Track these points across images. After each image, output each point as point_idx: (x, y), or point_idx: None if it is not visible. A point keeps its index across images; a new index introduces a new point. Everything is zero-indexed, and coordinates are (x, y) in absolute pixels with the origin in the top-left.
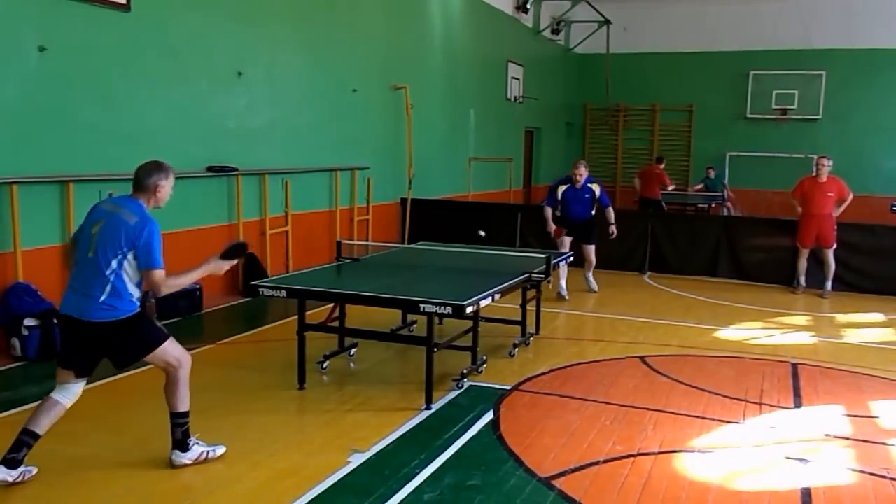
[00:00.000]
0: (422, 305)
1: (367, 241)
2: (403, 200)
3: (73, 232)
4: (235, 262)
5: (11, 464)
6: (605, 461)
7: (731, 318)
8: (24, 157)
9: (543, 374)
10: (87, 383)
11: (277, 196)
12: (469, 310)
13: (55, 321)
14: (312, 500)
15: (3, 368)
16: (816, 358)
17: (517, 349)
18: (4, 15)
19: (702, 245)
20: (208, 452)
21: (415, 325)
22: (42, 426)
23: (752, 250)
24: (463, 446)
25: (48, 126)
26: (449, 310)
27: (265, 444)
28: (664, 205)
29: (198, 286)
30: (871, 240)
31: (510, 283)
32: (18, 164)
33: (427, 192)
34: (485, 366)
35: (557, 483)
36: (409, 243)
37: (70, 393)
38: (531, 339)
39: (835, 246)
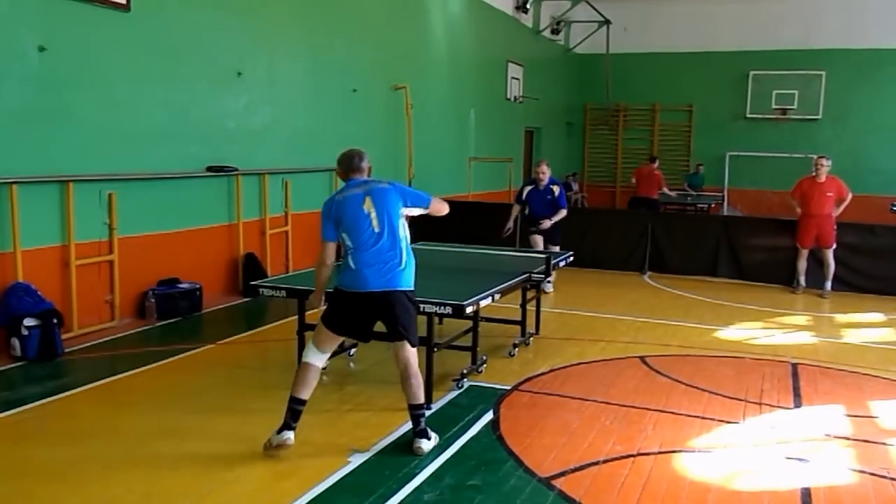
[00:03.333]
0: (422, 305)
1: None
2: None
3: (324, 236)
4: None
5: (294, 429)
6: (605, 461)
7: (731, 318)
8: (24, 157)
9: (543, 374)
10: (88, 383)
11: (277, 196)
12: (469, 310)
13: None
14: (312, 500)
15: (2, 368)
16: (816, 358)
17: (517, 349)
18: (4, 15)
19: (702, 245)
20: (436, 438)
21: None
22: (310, 391)
23: (752, 250)
24: (463, 446)
25: (48, 126)
26: (449, 310)
27: (265, 443)
28: (660, 205)
29: (198, 286)
30: (870, 240)
31: (510, 283)
32: (18, 164)
33: (427, 191)
34: (485, 366)
35: (557, 483)
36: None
37: (325, 357)
38: (531, 339)
39: (834, 246)
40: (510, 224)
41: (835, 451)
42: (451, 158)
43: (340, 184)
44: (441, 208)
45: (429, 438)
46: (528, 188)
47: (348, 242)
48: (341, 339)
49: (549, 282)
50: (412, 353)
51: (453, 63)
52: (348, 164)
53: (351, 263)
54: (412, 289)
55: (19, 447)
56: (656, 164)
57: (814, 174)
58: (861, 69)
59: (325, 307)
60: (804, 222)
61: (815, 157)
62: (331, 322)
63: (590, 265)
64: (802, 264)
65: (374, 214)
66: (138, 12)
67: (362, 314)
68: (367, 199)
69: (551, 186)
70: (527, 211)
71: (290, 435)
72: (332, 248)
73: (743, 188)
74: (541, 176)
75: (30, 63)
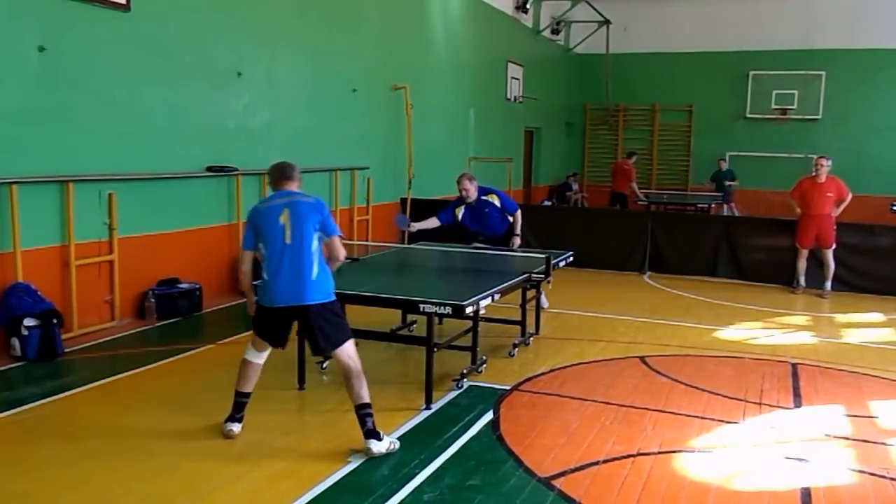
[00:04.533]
0: (422, 305)
1: (367, 241)
2: (403, 200)
3: (243, 245)
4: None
5: (240, 420)
6: (605, 461)
7: (731, 318)
8: (24, 157)
9: (543, 374)
10: (88, 383)
11: None
12: (469, 310)
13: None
14: (312, 500)
15: (2, 368)
16: (816, 358)
17: (517, 349)
18: (4, 15)
19: (702, 245)
20: (393, 445)
21: (415, 325)
22: (252, 385)
23: (752, 250)
24: (463, 446)
25: (48, 126)
26: (449, 310)
27: (265, 444)
28: (627, 201)
29: (198, 286)
30: (870, 240)
31: (510, 283)
32: (18, 164)
33: (427, 192)
34: (485, 366)
35: (557, 483)
36: (409, 243)
37: (265, 355)
38: (531, 339)
39: (834, 246)
40: (415, 225)
41: (835, 451)
42: (451, 158)
43: (340, 183)
44: (340, 251)
45: (380, 439)
46: (461, 208)
47: (263, 252)
48: (277, 347)
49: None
50: (350, 353)
51: (453, 63)
52: (279, 174)
53: (264, 274)
54: (328, 300)
55: (19, 447)
56: (632, 160)
57: (814, 174)
58: (861, 69)
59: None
60: (804, 222)
61: (815, 157)
62: (257, 329)
63: (589, 265)
64: (802, 264)
65: (288, 226)
66: (138, 12)
67: (277, 326)
68: (286, 211)
69: (485, 198)
70: (465, 231)
71: (234, 426)
72: (248, 256)
73: (743, 188)
74: (464, 193)
75: (30, 63)
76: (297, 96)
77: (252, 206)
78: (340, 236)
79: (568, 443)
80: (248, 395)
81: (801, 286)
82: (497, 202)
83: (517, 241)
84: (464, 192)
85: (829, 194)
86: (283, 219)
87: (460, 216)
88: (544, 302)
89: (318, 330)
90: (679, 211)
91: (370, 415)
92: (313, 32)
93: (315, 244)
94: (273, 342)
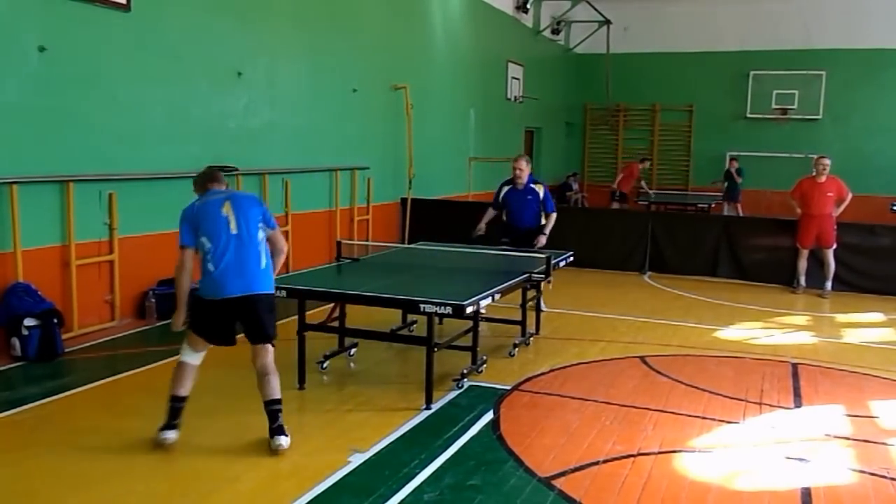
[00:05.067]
0: (422, 305)
1: (367, 241)
2: (403, 200)
3: (181, 241)
4: None
5: (177, 427)
6: (605, 461)
7: (731, 318)
8: (24, 157)
9: (543, 374)
10: (88, 383)
11: (277, 196)
12: (469, 310)
13: (54, 321)
14: (312, 500)
15: (3, 368)
16: (816, 358)
17: (517, 349)
18: (4, 15)
19: (702, 245)
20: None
21: (415, 325)
22: (188, 389)
23: (752, 250)
24: (463, 446)
25: (48, 126)
26: (449, 310)
27: (264, 444)
28: (628, 200)
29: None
30: (870, 240)
31: (510, 283)
32: (18, 164)
33: (427, 192)
34: (485, 366)
35: (557, 483)
36: (409, 243)
37: (202, 357)
38: (531, 339)
39: (835, 246)
40: (482, 225)
41: (835, 451)
42: (451, 158)
43: (340, 183)
44: (284, 243)
45: (286, 435)
46: (507, 188)
47: (207, 245)
48: (223, 345)
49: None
50: (272, 352)
51: (453, 63)
52: (207, 177)
53: (210, 266)
54: (272, 292)
55: (19, 447)
56: (644, 165)
57: (814, 174)
58: (862, 69)
59: (187, 319)
60: (804, 222)
61: (815, 156)
62: (197, 328)
63: (590, 265)
64: (803, 264)
65: (232, 217)
66: (138, 12)
67: (223, 320)
68: (227, 203)
69: (532, 186)
70: (504, 216)
71: (169, 434)
72: (189, 253)
73: (743, 188)
74: (517, 173)
75: (30, 63)
76: (297, 96)
77: (188, 205)
78: (279, 230)
79: (568, 443)
80: (184, 399)
81: (802, 286)
82: (541, 194)
83: (543, 240)
84: (517, 171)
85: (829, 194)
86: (226, 210)
87: (502, 196)
88: (542, 304)
89: (260, 319)
90: (679, 211)
91: (280, 410)
92: (313, 32)
93: (261, 234)
94: (219, 339)
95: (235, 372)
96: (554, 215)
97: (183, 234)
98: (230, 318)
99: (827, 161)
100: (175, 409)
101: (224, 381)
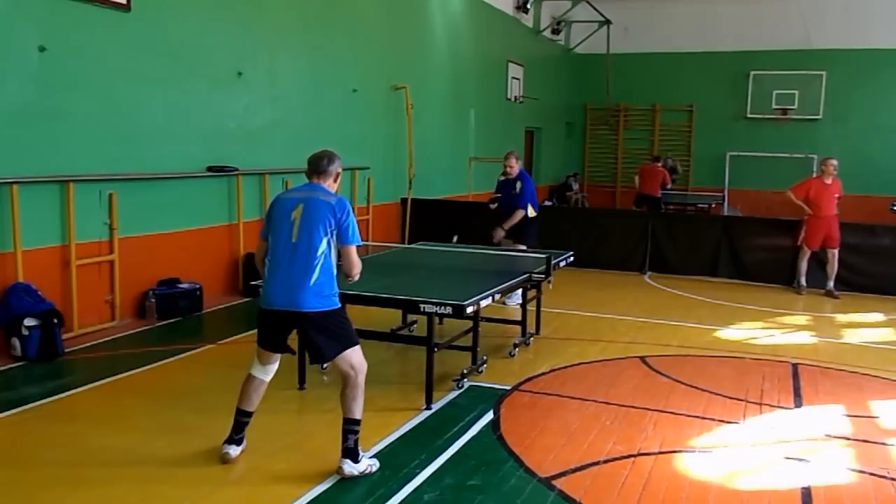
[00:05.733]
0: (422, 305)
1: (367, 241)
2: (403, 200)
3: (260, 234)
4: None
5: (238, 442)
6: (606, 461)
7: (731, 318)
8: (24, 157)
9: (543, 374)
10: (88, 383)
11: None
12: (469, 310)
13: (55, 321)
14: (312, 500)
15: (3, 368)
16: (817, 358)
17: (517, 349)
18: (4, 15)
19: (702, 245)
20: (371, 467)
21: (415, 325)
22: (254, 404)
23: (752, 250)
24: (463, 446)
25: (48, 126)
26: (449, 310)
27: (265, 444)
28: (662, 204)
29: (198, 286)
30: (871, 240)
31: (510, 283)
32: (18, 164)
33: (427, 192)
34: (485, 366)
35: (557, 483)
36: (409, 243)
37: (270, 370)
38: (531, 339)
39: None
40: (493, 200)
41: (835, 451)
42: (452, 158)
43: (343, 182)
44: (352, 265)
45: (356, 460)
46: (501, 177)
47: (270, 246)
48: (277, 353)
49: (511, 298)
50: (351, 362)
51: (453, 63)
52: (310, 166)
53: (265, 271)
54: (328, 309)
55: (19, 447)
56: (660, 163)
57: (820, 175)
58: (862, 69)
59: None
60: (814, 224)
61: (823, 158)
62: (258, 336)
63: (590, 265)
64: (805, 265)
65: (297, 223)
66: (138, 12)
67: (274, 332)
68: (300, 206)
69: (517, 179)
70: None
71: (231, 450)
72: (262, 246)
73: (743, 188)
74: (508, 169)
75: (30, 63)
76: (297, 96)
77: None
78: (358, 246)
79: (568, 443)
80: (249, 414)
81: (804, 286)
82: (518, 188)
83: (499, 232)
84: (508, 169)
85: (836, 196)
86: (295, 214)
87: (498, 180)
88: (511, 301)
89: (312, 340)
90: (679, 211)
91: (353, 432)
92: (314, 32)
93: (323, 247)
94: (274, 349)
95: (235, 372)
96: (519, 212)
97: (263, 225)
98: (280, 330)
99: (835, 162)
100: (238, 423)
101: (225, 380)
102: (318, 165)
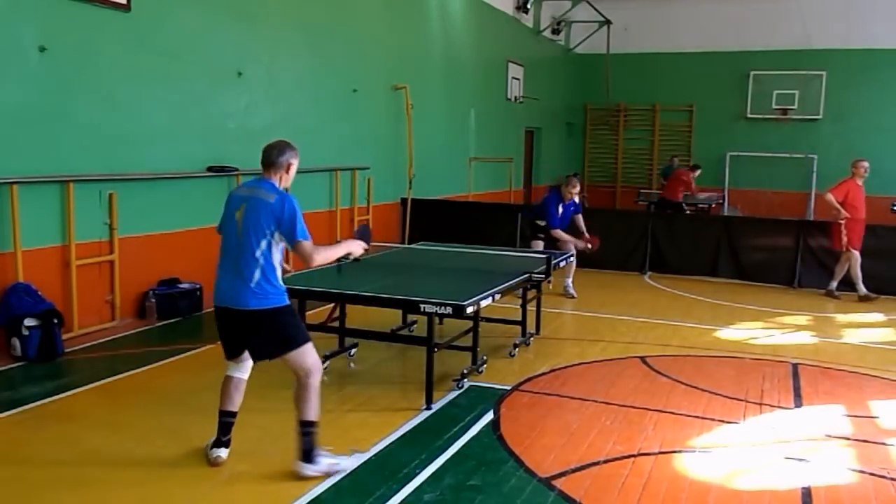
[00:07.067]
0: (422, 305)
1: None
2: (403, 200)
3: (216, 226)
4: (368, 246)
5: (226, 444)
6: (606, 461)
7: (731, 318)
8: (24, 157)
9: (544, 374)
10: (88, 383)
11: None
12: (469, 310)
13: (55, 321)
14: (312, 500)
15: (3, 368)
16: (817, 358)
17: (517, 349)
18: (4, 15)
19: (702, 245)
20: (334, 466)
21: (415, 325)
22: (236, 403)
23: (753, 250)
24: (463, 446)
25: (48, 126)
26: (449, 310)
27: (265, 444)
28: (685, 206)
29: (198, 286)
30: (871, 240)
31: (510, 283)
32: (18, 164)
33: (427, 192)
34: (485, 366)
35: (557, 483)
36: (409, 243)
37: (245, 367)
38: (531, 339)
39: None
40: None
41: (835, 451)
42: (452, 158)
43: (341, 183)
44: (309, 257)
45: (312, 462)
46: (561, 206)
47: (221, 243)
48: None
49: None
50: (299, 362)
51: (453, 63)
52: (262, 158)
53: (217, 267)
54: (269, 307)
55: (19, 447)
56: (697, 173)
57: (853, 176)
58: (862, 69)
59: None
60: (856, 226)
61: (855, 160)
62: (219, 336)
63: (590, 265)
64: (859, 270)
65: (240, 224)
66: (138, 12)
67: (224, 330)
68: (243, 206)
69: (575, 199)
70: (543, 223)
71: (220, 452)
72: (220, 241)
73: (743, 188)
74: (574, 191)
75: (30, 63)
76: (297, 96)
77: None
78: (305, 240)
79: (568, 443)
80: (233, 414)
81: (865, 293)
82: (577, 199)
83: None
84: (574, 191)
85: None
86: (239, 214)
87: (560, 211)
88: (571, 289)
89: (248, 339)
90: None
91: (307, 434)
92: (314, 32)
93: (263, 248)
94: (226, 348)
95: None
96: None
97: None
98: (230, 328)
99: (867, 164)
100: (223, 425)
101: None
102: (268, 157)
